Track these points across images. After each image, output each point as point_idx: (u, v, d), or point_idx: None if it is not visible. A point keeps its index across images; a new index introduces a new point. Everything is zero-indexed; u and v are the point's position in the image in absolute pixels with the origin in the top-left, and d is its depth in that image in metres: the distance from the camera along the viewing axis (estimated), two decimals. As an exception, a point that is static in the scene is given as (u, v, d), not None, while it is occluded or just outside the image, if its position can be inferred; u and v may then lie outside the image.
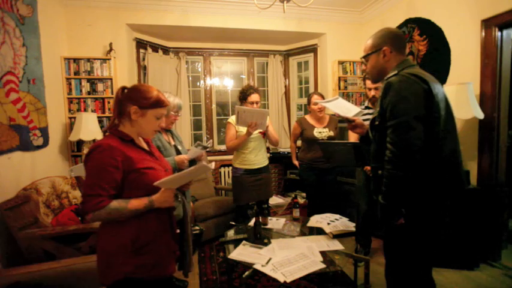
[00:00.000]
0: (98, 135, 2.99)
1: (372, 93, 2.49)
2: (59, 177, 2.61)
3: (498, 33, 2.46)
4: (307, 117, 3.00)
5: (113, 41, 3.32)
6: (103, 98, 3.27)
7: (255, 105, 2.64)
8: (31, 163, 2.52)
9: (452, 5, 2.81)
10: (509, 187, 2.60)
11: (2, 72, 2.22)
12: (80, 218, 2.28)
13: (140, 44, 3.84)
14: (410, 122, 1.23)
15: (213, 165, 1.36)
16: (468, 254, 2.46)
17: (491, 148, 2.55)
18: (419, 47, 3.15)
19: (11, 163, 2.26)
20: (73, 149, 3.17)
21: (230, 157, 2.99)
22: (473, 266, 2.47)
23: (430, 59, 3.05)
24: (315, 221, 2.30)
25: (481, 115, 2.44)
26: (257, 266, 1.67)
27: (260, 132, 2.72)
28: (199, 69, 4.54)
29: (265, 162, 2.80)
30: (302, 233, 2.18)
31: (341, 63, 4.01)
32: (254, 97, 2.64)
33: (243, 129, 2.59)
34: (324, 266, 1.68)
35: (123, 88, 1.29)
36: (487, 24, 2.51)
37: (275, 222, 2.35)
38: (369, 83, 2.50)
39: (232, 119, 2.70)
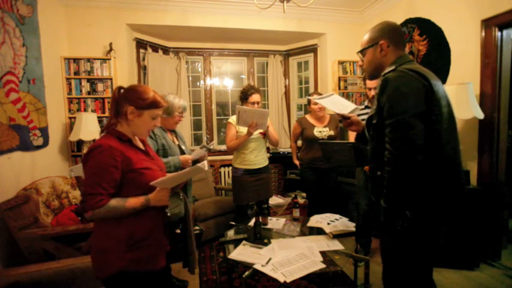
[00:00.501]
0: (98, 135, 2.99)
1: (372, 93, 2.49)
2: (59, 177, 2.61)
3: (498, 33, 2.46)
4: (308, 117, 3.00)
5: (113, 41, 3.32)
6: (103, 98, 3.27)
7: (255, 105, 2.64)
8: (31, 163, 2.52)
9: (452, 5, 2.81)
10: (509, 187, 2.60)
11: (2, 72, 2.22)
12: (80, 218, 2.28)
13: (140, 44, 3.84)
14: (409, 121, 1.16)
15: (206, 166, 1.40)
16: (468, 254, 2.46)
17: (491, 148, 2.55)
18: (419, 47, 3.15)
19: (11, 163, 2.26)
20: (73, 149, 3.17)
21: (230, 157, 2.99)
22: (473, 266, 2.47)
23: (430, 59, 3.05)
24: (315, 221, 2.30)
25: (481, 115, 2.44)
26: (257, 266, 1.67)
27: (260, 133, 2.72)
28: (199, 69, 4.54)
29: (265, 162, 2.80)
30: (302, 233, 2.18)
31: (341, 63, 4.01)
32: (255, 97, 2.65)
33: (244, 130, 2.60)
34: (324, 266, 1.68)
35: (120, 88, 1.32)
36: (487, 24, 2.51)
37: (275, 222, 2.35)
38: (369, 82, 2.50)
39: (232, 119, 2.70)
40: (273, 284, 2.31)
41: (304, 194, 3.87)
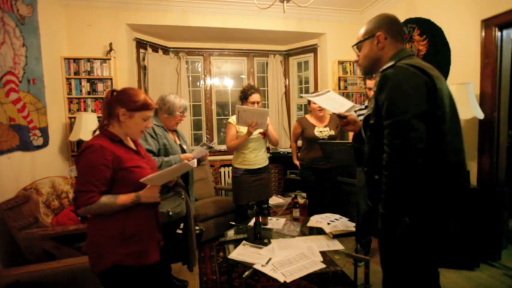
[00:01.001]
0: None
1: (372, 93, 2.48)
2: (59, 177, 2.61)
3: (498, 33, 2.46)
4: (308, 117, 3.00)
5: (113, 41, 3.32)
6: (103, 98, 3.25)
7: (255, 105, 2.65)
8: (31, 163, 2.52)
9: (452, 5, 2.81)
10: (509, 187, 2.60)
11: (2, 72, 2.22)
12: (80, 218, 2.28)
13: (140, 44, 3.84)
14: (410, 121, 1.06)
15: (195, 163, 1.43)
16: (468, 254, 2.46)
17: (491, 148, 2.55)
18: (419, 47, 3.15)
19: (11, 163, 2.26)
20: (73, 149, 3.17)
21: (230, 157, 2.99)
22: (473, 266, 2.47)
23: (430, 59, 3.04)
24: (315, 221, 2.30)
25: (481, 115, 2.44)
26: (257, 266, 1.67)
27: (260, 133, 2.72)
28: (199, 69, 4.54)
29: (265, 162, 2.80)
30: (302, 233, 2.18)
31: (341, 63, 4.01)
32: (255, 97, 2.65)
33: (244, 130, 2.60)
34: (324, 266, 1.68)
35: (113, 91, 1.38)
36: (487, 24, 2.51)
37: (275, 222, 2.35)
38: (369, 82, 2.50)
39: (232, 119, 2.70)
40: (273, 284, 2.31)
41: (304, 194, 3.87)
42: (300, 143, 3.17)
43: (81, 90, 3.22)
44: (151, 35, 3.91)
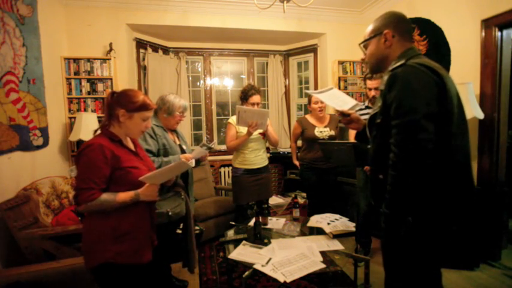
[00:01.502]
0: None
1: (372, 93, 2.49)
2: (59, 177, 2.61)
3: (498, 33, 2.46)
4: (308, 117, 2.99)
5: (112, 41, 3.32)
6: (103, 98, 3.26)
7: (256, 106, 2.65)
8: (31, 163, 2.52)
9: (452, 5, 2.81)
10: (509, 187, 2.60)
11: (2, 72, 2.22)
12: (79, 218, 2.28)
13: (140, 44, 3.84)
14: (420, 122, 1.04)
15: (193, 162, 1.44)
16: (468, 254, 2.45)
17: (491, 148, 2.55)
18: (419, 47, 3.15)
19: (11, 163, 2.26)
20: (73, 149, 3.17)
21: (230, 157, 2.99)
22: (473, 266, 2.47)
23: (430, 59, 3.04)
24: (315, 221, 2.30)
25: (481, 115, 2.44)
26: (257, 266, 1.67)
27: (260, 133, 2.72)
28: (199, 69, 4.54)
29: (265, 162, 2.80)
30: (302, 233, 2.18)
31: (341, 63, 4.01)
32: (255, 98, 2.65)
33: (243, 130, 2.60)
34: (324, 266, 1.68)
35: (113, 93, 1.42)
36: (487, 24, 2.50)
37: (275, 222, 2.35)
38: (369, 82, 2.50)
39: (232, 119, 2.70)
40: (273, 284, 2.31)
41: (304, 194, 3.86)
42: (299, 143, 3.17)
43: (81, 90, 3.22)
44: (151, 35, 3.91)
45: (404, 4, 3.39)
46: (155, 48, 4.02)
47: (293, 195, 4.09)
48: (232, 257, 1.80)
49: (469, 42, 2.66)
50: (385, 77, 1.21)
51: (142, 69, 3.90)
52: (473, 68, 2.62)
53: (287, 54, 4.67)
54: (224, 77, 4.66)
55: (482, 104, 2.53)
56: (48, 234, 2.03)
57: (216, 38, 4.21)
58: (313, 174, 2.91)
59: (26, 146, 2.44)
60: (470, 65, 2.65)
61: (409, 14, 3.27)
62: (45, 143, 2.74)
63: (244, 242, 1.98)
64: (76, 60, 3.20)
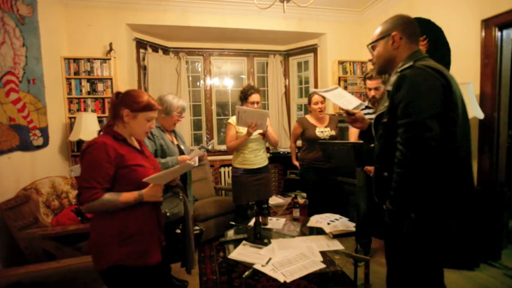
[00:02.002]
0: (97, 135, 2.98)
1: (372, 93, 2.49)
2: (59, 177, 2.61)
3: (498, 33, 2.46)
4: (308, 117, 2.99)
5: (112, 41, 3.32)
6: (103, 98, 3.27)
7: (255, 105, 2.65)
8: (31, 163, 2.52)
9: (452, 5, 2.81)
10: (509, 187, 2.60)
11: (2, 72, 2.22)
12: (80, 218, 2.28)
13: (140, 44, 3.84)
14: (426, 121, 1.09)
15: (196, 161, 1.45)
16: (468, 254, 2.46)
17: (491, 148, 2.55)
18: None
19: (11, 163, 2.26)
20: (73, 149, 3.17)
21: (230, 157, 2.99)
22: (473, 266, 2.47)
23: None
24: (315, 221, 2.30)
25: (481, 115, 2.44)
26: (257, 266, 1.67)
27: (260, 134, 2.72)
28: (199, 69, 4.54)
29: (265, 162, 2.80)
30: (302, 233, 2.18)
31: (341, 63, 4.01)
32: (255, 97, 2.65)
33: (243, 130, 2.60)
34: (324, 266, 1.68)
35: (118, 93, 1.41)
36: (487, 24, 2.50)
37: (275, 222, 2.35)
38: (369, 82, 2.50)
39: (232, 119, 2.70)
40: (273, 284, 2.31)
41: (304, 194, 3.87)
42: (299, 143, 3.17)
43: (81, 90, 3.22)
44: (151, 35, 3.91)
45: (405, 4, 3.39)
46: (155, 48, 4.02)
47: (293, 195, 4.10)
48: (232, 257, 1.80)
49: (469, 42, 2.66)
50: (393, 78, 1.25)
51: (142, 69, 3.90)
52: (473, 68, 2.62)
53: (287, 54, 4.67)
54: (224, 77, 4.66)
55: (482, 104, 2.53)
56: (48, 234, 2.03)
57: (216, 38, 4.21)
58: (314, 174, 2.91)
59: (26, 146, 2.44)
60: (470, 65, 2.65)
61: (409, 14, 3.24)
62: (45, 143, 2.75)
63: (244, 242, 1.98)
64: (76, 60, 3.20)
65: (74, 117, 3.09)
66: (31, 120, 2.53)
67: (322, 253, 1.81)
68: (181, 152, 2.17)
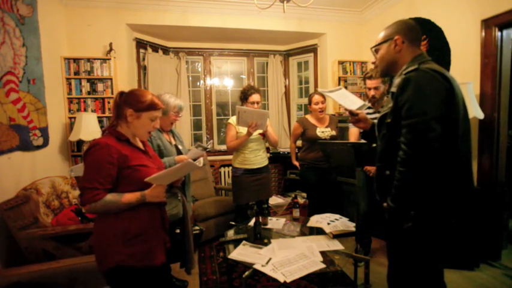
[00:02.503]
0: (98, 135, 2.98)
1: (372, 92, 2.49)
2: (59, 177, 2.61)
3: (498, 33, 2.46)
4: (308, 117, 2.99)
5: (112, 41, 3.32)
6: (103, 98, 3.27)
7: (255, 105, 2.65)
8: (31, 163, 2.52)
9: (452, 5, 2.81)
10: (509, 187, 2.60)
11: (2, 72, 2.22)
12: (80, 218, 2.28)
13: (140, 44, 3.84)
14: (429, 123, 1.13)
15: (201, 162, 1.43)
16: (468, 254, 2.46)
17: (491, 148, 2.55)
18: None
19: (11, 163, 2.26)
20: (73, 149, 3.17)
21: (230, 157, 3.00)
22: (473, 266, 2.47)
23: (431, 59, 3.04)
24: (315, 221, 2.30)
25: (481, 115, 2.44)
26: (257, 266, 1.67)
27: (260, 134, 2.72)
28: (199, 69, 4.54)
29: (265, 162, 2.80)
30: (302, 233, 2.18)
31: (341, 63, 4.01)
32: (255, 97, 2.65)
33: (243, 130, 2.60)
34: (324, 266, 1.68)
35: (121, 93, 1.40)
36: (487, 24, 2.50)
37: (275, 222, 2.35)
38: (369, 82, 2.50)
39: (232, 119, 2.70)
40: (273, 284, 2.31)
41: (304, 194, 3.87)
42: (299, 143, 3.17)
43: (81, 90, 3.22)
44: (151, 35, 3.91)
45: (405, 4, 3.39)
46: (155, 48, 4.02)
47: (293, 195, 4.10)
48: (232, 257, 1.80)
49: (469, 42, 2.66)
50: (397, 80, 1.29)
51: (142, 69, 3.90)
52: (473, 68, 2.62)
53: (287, 54, 4.67)
54: (224, 77, 4.66)
55: (482, 104, 2.53)
56: (48, 234, 2.02)
57: (216, 38, 4.21)
58: (314, 174, 2.91)
59: (26, 146, 2.44)
60: (470, 65, 2.65)
61: (409, 14, 3.27)
62: (45, 143, 2.75)
63: (244, 242, 1.98)
64: (76, 60, 3.20)
65: (74, 117, 3.09)
66: (31, 120, 2.53)
67: (322, 253, 1.81)
68: (179, 152, 2.15)
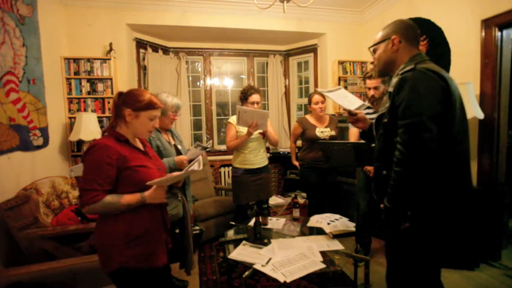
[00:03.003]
0: (98, 135, 2.99)
1: (372, 92, 2.49)
2: (59, 177, 2.61)
3: (498, 33, 2.46)
4: (308, 117, 2.99)
5: (113, 41, 3.32)
6: (103, 98, 3.27)
7: (255, 105, 2.65)
8: (31, 163, 2.52)
9: (452, 5, 2.81)
10: (509, 187, 2.60)
11: (2, 72, 2.22)
12: (80, 218, 2.28)
13: (140, 44, 3.84)
14: (425, 123, 1.13)
15: (201, 163, 1.43)
16: (468, 254, 2.46)
17: (491, 148, 2.55)
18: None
19: (11, 163, 2.26)
20: (73, 149, 3.17)
21: (230, 157, 3.00)
22: (473, 266, 2.47)
23: (430, 59, 3.04)
24: (315, 221, 2.30)
25: (481, 115, 2.44)
26: (257, 266, 1.67)
27: (260, 133, 2.73)
28: (199, 69, 4.54)
29: (265, 162, 2.80)
30: (302, 233, 2.18)
31: (341, 63, 4.01)
32: (255, 97, 2.65)
33: (243, 130, 2.60)
34: (324, 266, 1.68)
35: (120, 93, 1.40)
36: (487, 24, 2.50)
37: (275, 222, 2.35)
38: (368, 82, 2.50)
39: (232, 119, 2.70)
40: (273, 284, 2.31)
41: (304, 194, 3.87)
42: (299, 143, 3.17)
43: (81, 90, 3.22)
44: (151, 35, 3.91)
45: (405, 4, 3.39)
46: (155, 48, 4.02)
47: (293, 195, 4.10)
48: (232, 257, 1.80)
49: (469, 42, 2.66)
50: (394, 80, 1.29)
51: (142, 69, 3.90)
52: (473, 68, 2.62)
53: (287, 54, 4.67)
54: (224, 77, 4.66)
55: (482, 104, 2.53)
56: (48, 234, 2.03)
57: (216, 38, 4.21)
58: (314, 174, 2.91)
59: (26, 146, 2.44)
60: (470, 65, 2.65)
61: (409, 14, 3.27)
62: (45, 143, 2.75)
63: (244, 242, 1.98)
64: (76, 60, 3.20)
65: (74, 117, 3.09)
66: (31, 120, 2.53)
67: (322, 253, 1.81)
68: (179, 152, 2.14)
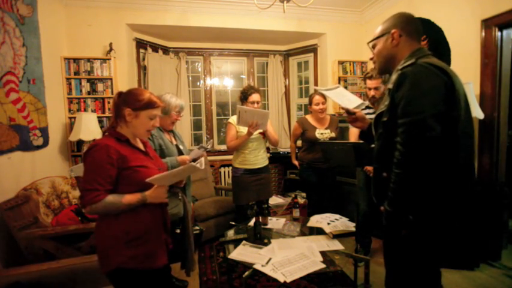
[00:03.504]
0: (98, 135, 2.99)
1: (372, 92, 2.49)
2: (59, 177, 2.61)
3: (498, 33, 2.46)
4: (308, 118, 2.99)
5: (113, 41, 3.32)
6: (103, 98, 3.27)
7: (255, 104, 2.65)
8: (31, 163, 2.52)
9: (452, 5, 2.81)
10: (509, 187, 2.60)
11: (2, 72, 2.22)
12: (80, 218, 2.28)
13: (140, 44, 3.84)
14: (427, 121, 1.04)
15: (202, 164, 1.41)
16: (468, 254, 2.45)
17: (491, 148, 2.55)
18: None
19: (11, 163, 2.26)
20: (73, 149, 3.17)
21: (230, 157, 3.00)
22: (473, 266, 2.47)
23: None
24: (315, 221, 2.30)
25: (481, 115, 2.44)
26: (257, 266, 1.67)
27: (260, 133, 2.73)
28: (199, 69, 4.54)
29: (265, 162, 2.80)
30: (302, 233, 2.18)
31: (341, 63, 4.01)
32: (255, 97, 2.65)
33: (244, 130, 2.60)
34: (324, 266, 1.68)
35: (120, 93, 1.40)
36: (487, 24, 2.50)
37: (275, 222, 2.35)
38: (369, 82, 2.49)
39: (233, 119, 2.70)
40: (273, 284, 2.31)
41: (304, 194, 3.87)
42: (299, 143, 3.17)
43: (81, 90, 3.22)
44: (151, 35, 3.91)
45: (405, 4, 3.39)
46: (155, 48, 4.02)
47: (293, 195, 4.10)
48: (232, 257, 1.80)
49: (469, 42, 2.66)
50: (394, 76, 1.21)
51: (142, 69, 3.90)
52: (473, 68, 2.62)
53: (287, 54, 4.67)
54: (224, 77, 4.66)
55: (482, 104, 2.53)
56: (48, 234, 2.02)
57: (216, 38, 4.21)
58: (313, 174, 2.91)
59: (26, 146, 2.44)
60: (470, 65, 2.65)
61: (409, 14, 3.27)
62: (45, 143, 2.75)
63: (244, 242, 1.98)
64: (76, 60, 3.20)
65: (74, 117, 3.09)
66: (31, 120, 2.53)
67: (322, 253, 1.81)
68: (180, 152, 2.15)
